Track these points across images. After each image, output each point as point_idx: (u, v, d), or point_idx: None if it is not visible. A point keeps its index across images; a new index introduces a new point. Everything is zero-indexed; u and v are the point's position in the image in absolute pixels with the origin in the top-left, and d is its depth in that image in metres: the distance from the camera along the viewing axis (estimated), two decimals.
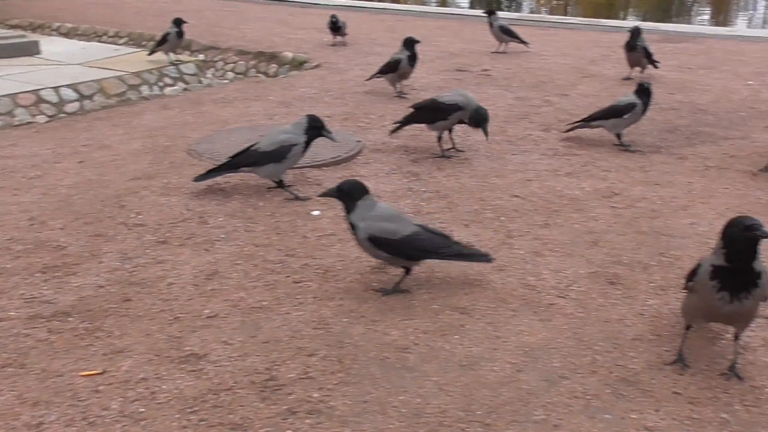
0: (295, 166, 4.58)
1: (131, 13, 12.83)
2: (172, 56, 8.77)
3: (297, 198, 4.40)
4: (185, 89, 7.90)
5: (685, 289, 2.77)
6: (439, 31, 10.37)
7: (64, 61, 8.77)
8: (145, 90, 8.03)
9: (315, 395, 2.57)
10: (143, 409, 2.51)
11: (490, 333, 2.97)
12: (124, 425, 2.43)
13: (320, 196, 3.48)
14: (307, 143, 4.37)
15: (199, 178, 4.48)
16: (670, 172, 4.80)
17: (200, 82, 8.65)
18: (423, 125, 5.26)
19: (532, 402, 2.55)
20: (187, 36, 9.10)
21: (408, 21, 11.74)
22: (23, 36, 9.68)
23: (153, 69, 8.42)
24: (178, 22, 8.54)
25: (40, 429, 2.42)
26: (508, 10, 17.82)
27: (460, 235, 3.88)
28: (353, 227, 3.27)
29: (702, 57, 8.25)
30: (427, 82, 7.27)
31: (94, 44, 10.46)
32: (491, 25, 8.69)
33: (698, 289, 2.60)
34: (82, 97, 7.49)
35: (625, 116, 5.15)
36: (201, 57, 9.58)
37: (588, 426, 2.43)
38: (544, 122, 5.93)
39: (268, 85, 7.64)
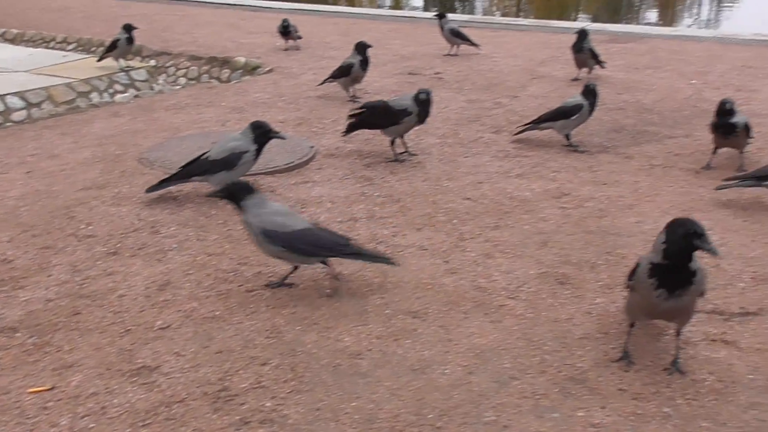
0: (248, 173, 4.57)
1: (79, 18, 12.59)
2: (122, 62, 8.65)
3: None
4: (136, 96, 7.79)
5: (626, 287, 2.86)
6: (392, 34, 10.42)
7: (10, 68, 8.57)
8: (94, 97, 7.89)
9: (268, 404, 2.58)
10: (93, 425, 2.49)
11: (442, 336, 3.02)
12: None
13: (208, 196, 3.58)
14: (259, 149, 4.37)
15: (151, 188, 4.45)
16: (617, 171, 4.92)
17: (152, 88, 8.54)
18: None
19: (483, 404, 2.60)
20: (138, 41, 8.98)
21: (362, 24, 11.76)
22: None
23: (103, 76, 8.28)
24: (128, 28, 8.42)
25: None
26: (462, 12, 18.00)
27: (413, 238, 3.93)
28: (248, 226, 3.33)
29: (647, 57, 8.46)
30: (380, 86, 7.31)
31: (42, 50, 10.24)
32: (442, 28, 8.77)
33: (638, 287, 2.68)
34: (30, 105, 7.33)
35: (573, 117, 5.26)
36: (152, 63, 9.46)
37: (536, 425, 2.49)
38: (495, 124, 6.02)
39: (220, 91, 7.58)
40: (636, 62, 8.06)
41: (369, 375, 2.75)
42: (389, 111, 5.06)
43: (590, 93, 5.26)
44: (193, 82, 9.01)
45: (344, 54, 7.05)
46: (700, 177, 4.77)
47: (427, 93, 4.99)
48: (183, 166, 4.45)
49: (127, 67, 8.67)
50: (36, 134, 6.05)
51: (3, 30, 11.80)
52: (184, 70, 9.34)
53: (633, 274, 2.74)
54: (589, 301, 3.31)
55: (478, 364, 2.83)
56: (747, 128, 4.78)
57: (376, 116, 5.16)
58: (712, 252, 2.47)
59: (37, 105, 7.39)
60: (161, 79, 9.18)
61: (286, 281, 3.45)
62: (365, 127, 5.29)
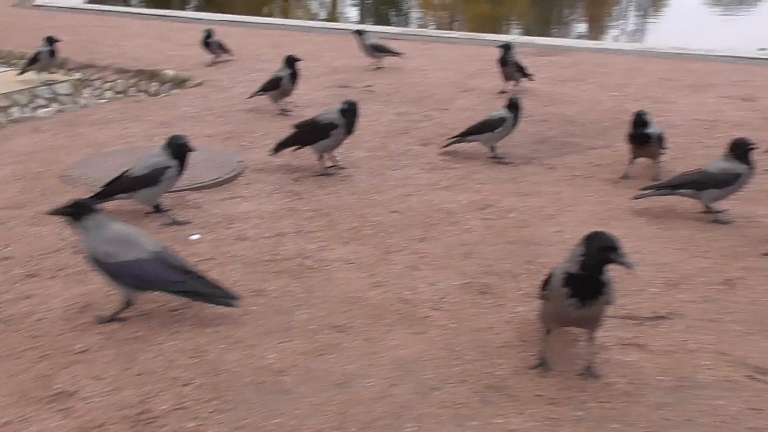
0: (174, 189, 4.53)
1: None
2: (45, 76, 8.43)
3: (175, 222, 4.35)
4: (60, 110, 7.62)
5: (540, 297, 2.96)
6: (325, 47, 10.45)
7: None
8: (15, 112, 7.68)
9: (189, 425, 2.57)
10: None
11: (366, 349, 3.06)
12: None
13: (48, 214, 3.39)
14: (181, 165, 4.33)
15: None
16: (540, 182, 5.07)
17: (76, 102, 8.36)
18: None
19: (404, 415, 2.65)
20: (63, 54, 8.77)
21: (294, 36, 11.76)
22: None
23: (24, 90, 8.06)
24: (50, 40, 8.23)
25: None
26: (397, 24, 18.21)
27: (340, 252, 3.96)
28: (82, 249, 3.23)
29: (572, 69, 8.73)
30: (310, 99, 7.34)
31: None
32: (362, 43, 8.76)
33: (551, 296, 2.78)
34: None
35: (498, 130, 5.39)
36: (77, 76, 9.24)
37: None
38: (424, 137, 6.12)
39: (148, 105, 7.48)
40: (561, 75, 8.31)
41: (292, 391, 2.76)
42: (317, 126, 5.09)
43: (514, 106, 5.41)
44: (119, 95, 8.85)
45: (276, 66, 7.05)
46: (618, 186, 4.95)
47: (352, 104, 5.04)
48: (106, 185, 4.38)
49: (50, 80, 8.45)
50: None
51: None
52: (110, 84, 9.16)
53: (546, 284, 2.84)
54: (510, 309, 3.40)
55: (400, 375, 2.88)
56: (660, 139, 4.99)
57: (305, 133, 5.19)
58: (626, 265, 2.60)
59: None
60: (86, 92, 8.98)
61: (118, 316, 3.25)
62: (294, 145, 5.30)
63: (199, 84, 8.25)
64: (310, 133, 5.15)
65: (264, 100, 6.97)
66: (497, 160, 5.50)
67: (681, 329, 3.21)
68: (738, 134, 4.76)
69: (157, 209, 4.40)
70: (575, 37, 15.32)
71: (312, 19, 18.73)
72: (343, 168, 5.35)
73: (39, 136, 6.28)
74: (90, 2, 16.26)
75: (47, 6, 15.11)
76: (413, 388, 2.80)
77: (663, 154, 5.12)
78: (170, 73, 8.75)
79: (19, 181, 5.05)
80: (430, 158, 5.59)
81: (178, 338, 3.12)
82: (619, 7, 21.66)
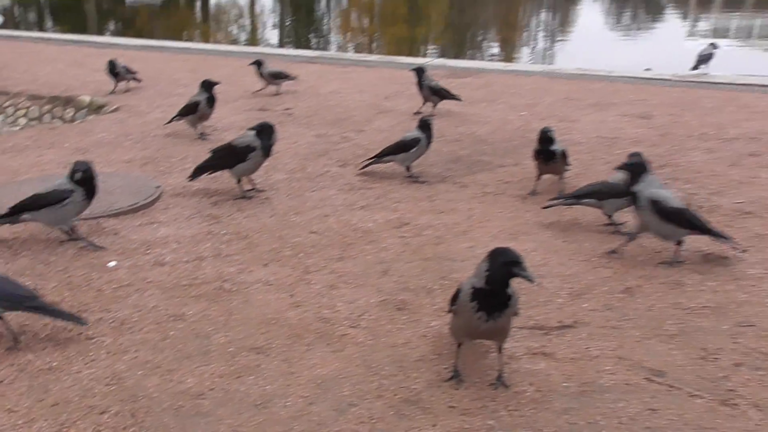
0: (91, 216, 4.49)
1: None
2: None
3: (93, 245, 4.32)
4: None
5: (449, 312, 3.10)
6: (243, 71, 10.43)
7: None
8: None
9: None
10: None
11: (284, 370, 3.12)
12: None
13: None
14: (87, 192, 4.29)
15: None
16: (454, 200, 5.25)
17: None
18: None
19: None
20: None
21: (212, 60, 11.73)
22: None
23: None
24: None
25: None
26: (316, 48, 18.37)
27: (259, 274, 4.01)
28: None
29: (483, 90, 9.05)
30: (229, 122, 7.36)
31: None
32: (261, 74, 8.75)
33: (460, 310, 2.93)
34: None
35: (412, 150, 5.57)
36: None
37: None
38: (342, 158, 6.23)
39: (63, 131, 7.33)
40: (473, 96, 8.60)
41: (211, 414, 2.80)
42: (233, 150, 5.14)
43: (426, 126, 5.60)
44: (34, 122, 8.63)
45: (193, 91, 7.05)
46: (527, 202, 5.19)
47: (266, 126, 5.10)
48: (11, 207, 4.40)
49: None
50: None
51: None
52: (24, 110, 8.92)
53: (455, 298, 2.98)
54: (425, 324, 3.53)
55: (319, 394, 2.95)
56: (564, 155, 5.27)
57: (222, 157, 5.22)
58: (528, 279, 2.75)
59: None
60: None
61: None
62: (212, 170, 5.32)
63: (116, 110, 8.14)
64: (227, 157, 5.18)
65: (182, 124, 6.96)
66: (413, 179, 5.67)
67: (584, 337, 3.41)
68: (636, 150, 5.04)
69: (72, 236, 4.35)
70: (487, 59, 15.83)
71: (232, 44, 18.68)
72: (261, 191, 5.40)
73: None
74: (1, 28, 15.75)
75: None
76: (331, 405, 2.88)
77: (567, 170, 5.39)
78: (86, 99, 8.59)
79: None
80: (348, 179, 5.71)
81: (95, 366, 3.10)
82: (528, 31, 22.58)
